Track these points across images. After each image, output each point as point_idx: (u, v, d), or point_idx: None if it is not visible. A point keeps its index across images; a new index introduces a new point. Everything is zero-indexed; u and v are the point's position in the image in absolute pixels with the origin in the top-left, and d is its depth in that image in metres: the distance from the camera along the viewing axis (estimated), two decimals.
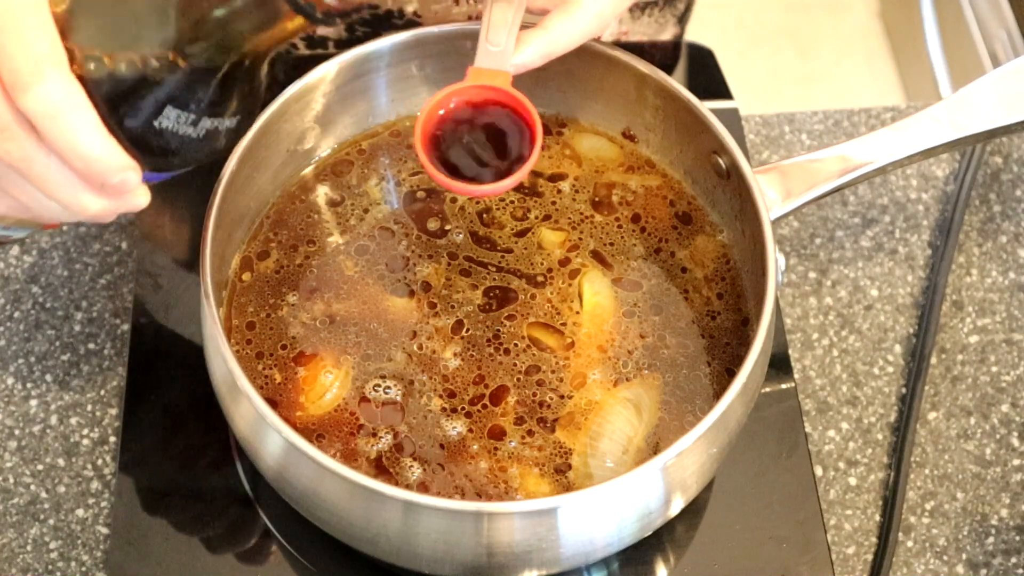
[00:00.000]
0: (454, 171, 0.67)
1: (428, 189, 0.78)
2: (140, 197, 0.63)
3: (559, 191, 0.78)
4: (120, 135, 0.60)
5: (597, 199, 0.78)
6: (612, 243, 0.76)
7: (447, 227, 0.77)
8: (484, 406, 0.70)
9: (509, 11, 0.67)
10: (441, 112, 0.68)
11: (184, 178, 0.88)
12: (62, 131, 0.58)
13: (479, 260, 0.75)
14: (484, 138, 0.68)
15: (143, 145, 0.61)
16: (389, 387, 0.71)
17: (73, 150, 0.58)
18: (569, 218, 0.77)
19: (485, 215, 0.77)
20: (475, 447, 0.69)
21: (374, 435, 0.69)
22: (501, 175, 0.66)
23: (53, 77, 0.57)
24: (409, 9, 0.91)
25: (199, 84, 0.61)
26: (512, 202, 0.78)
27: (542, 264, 0.75)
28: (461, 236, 0.76)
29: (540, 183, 0.78)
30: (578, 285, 0.74)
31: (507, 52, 0.67)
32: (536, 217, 0.77)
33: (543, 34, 0.67)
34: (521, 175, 0.66)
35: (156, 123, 0.60)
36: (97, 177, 0.60)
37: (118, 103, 0.59)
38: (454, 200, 0.78)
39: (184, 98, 0.60)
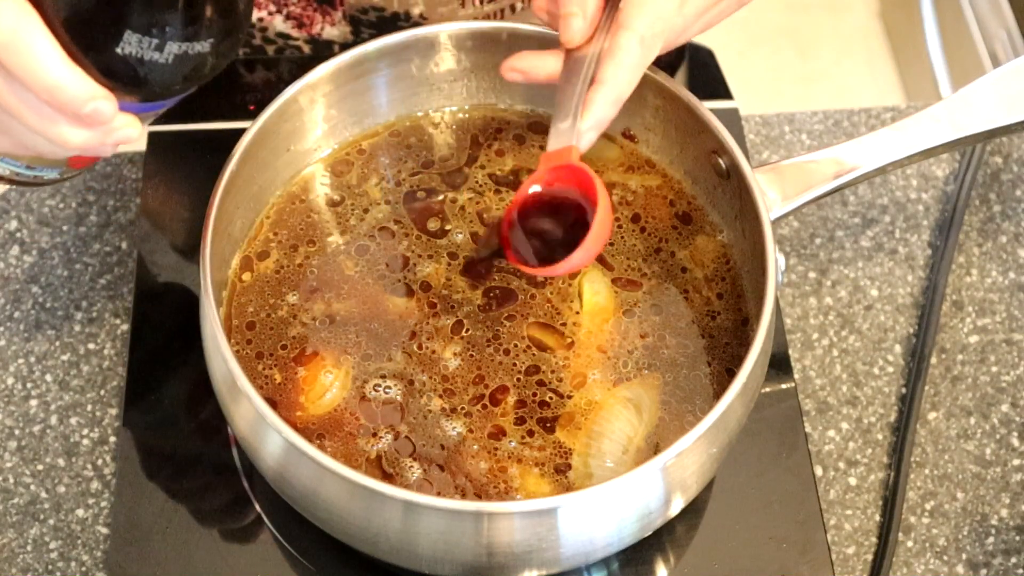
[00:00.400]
0: (532, 249, 0.70)
1: (428, 189, 0.78)
2: (126, 128, 0.62)
3: None
4: (89, 66, 0.59)
5: None
6: (612, 243, 0.76)
7: (447, 227, 0.77)
8: (484, 406, 0.70)
9: (575, 89, 0.68)
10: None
11: (184, 177, 0.88)
12: (20, 60, 0.57)
13: (485, 271, 0.75)
14: (553, 215, 0.70)
15: (113, 74, 0.60)
16: (389, 387, 0.71)
17: (34, 79, 0.58)
18: None
19: (485, 215, 0.77)
20: (475, 447, 0.69)
21: (374, 435, 0.69)
22: (574, 245, 0.67)
23: (3, 5, 0.57)
24: (415, 11, 0.91)
25: (159, 7, 0.60)
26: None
27: None
28: (461, 236, 0.76)
29: None
30: (578, 285, 0.74)
31: (571, 129, 0.68)
32: None
33: (602, 88, 0.68)
34: (589, 249, 0.67)
35: (119, 50, 0.59)
36: (66, 107, 0.59)
37: (77, 31, 0.59)
38: (454, 200, 0.78)
39: (143, 22, 0.59)
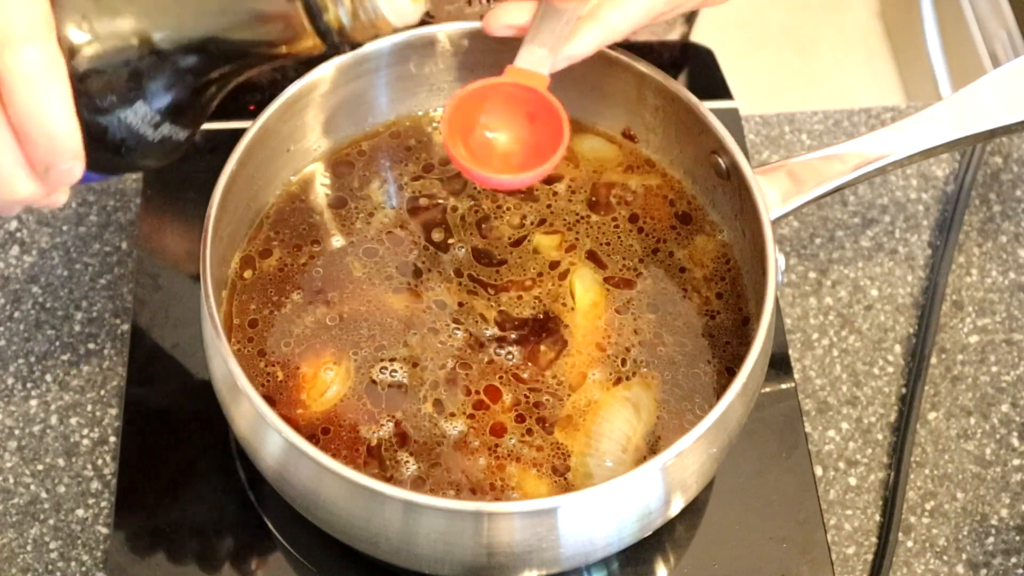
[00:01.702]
0: (476, 160, 0.68)
1: (429, 195, 0.78)
2: (63, 195, 0.61)
3: (555, 193, 0.78)
4: (81, 124, 0.58)
5: (594, 199, 0.78)
6: (608, 242, 0.76)
7: (450, 240, 0.76)
8: (482, 405, 0.70)
9: (559, 22, 0.68)
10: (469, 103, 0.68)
11: (184, 177, 0.88)
12: (35, 98, 0.55)
13: (478, 279, 0.75)
14: (509, 134, 0.68)
15: (99, 137, 0.59)
16: (388, 386, 0.71)
17: (40, 122, 0.56)
18: (564, 219, 0.77)
19: (484, 225, 0.77)
20: (473, 446, 0.69)
21: (373, 432, 0.69)
22: (520, 171, 0.67)
23: (43, 41, 0.55)
24: None
25: (176, 85, 0.60)
26: (509, 208, 0.78)
27: (535, 269, 0.75)
28: (463, 251, 0.76)
29: (536, 186, 0.78)
30: (569, 284, 0.74)
31: (549, 57, 0.67)
32: (531, 223, 0.77)
33: (595, 25, 0.67)
34: (539, 174, 0.67)
35: (122, 115, 0.59)
36: (48, 158, 0.57)
37: (92, 84, 0.58)
38: (455, 209, 0.77)
39: (157, 95, 0.59)
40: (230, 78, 0.62)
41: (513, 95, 0.67)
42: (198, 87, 0.61)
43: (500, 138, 0.68)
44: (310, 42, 0.62)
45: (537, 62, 0.67)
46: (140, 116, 0.59)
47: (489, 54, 0.78)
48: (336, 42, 0.62)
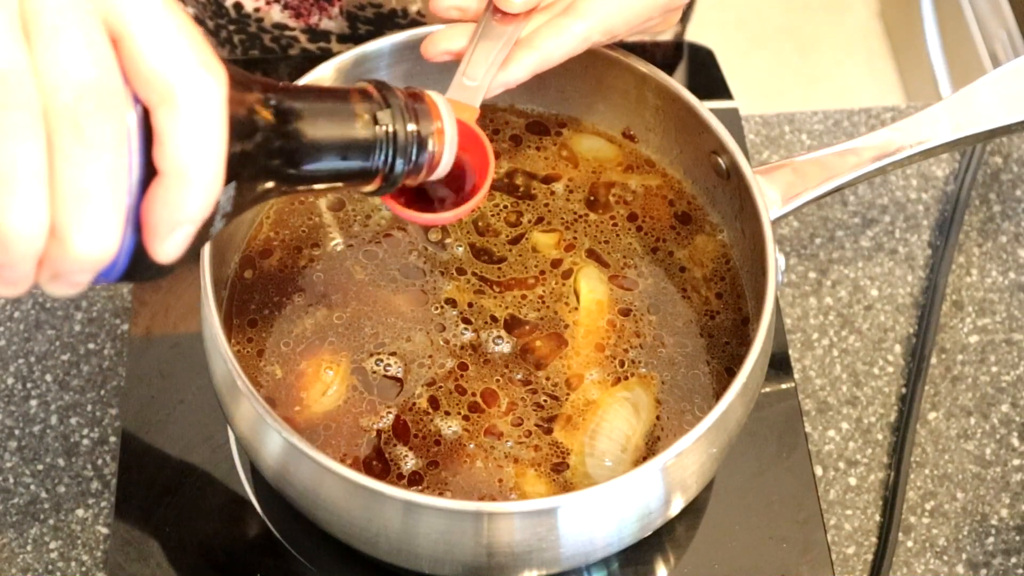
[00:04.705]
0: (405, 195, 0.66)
1: None
2: (83, 280, 0.49)
3: (552, 192, 0.78)
4: None
5: (592, 198, 0.78)
6: (607, 240, 0.76)
7: (447, 240, 0.76)
8: (482, 405, 0.70)
9: (493, 50, 0.68)
10: None
11: None
12: (207, 134, 0.46)
13: (483, 276, 0.75)
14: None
15: None
16: (388, 385, 0.71)
17: (201, 162, 0.46)
18: (562, 218, 0.77)
19: (480, 223, 0.77)
20: (472, 446, 0.69)
21: (374, 427, 0.69)
22: (447, 206, 0.66)
23: (223, 79, 0.48)
24: (413, 8, 0.91)
25: (246, 205, 0.54)
26: (506, 207, 0.78)
27: (536, 267, 0.75)
28: (461, 249, 0.76)
29: (534, 185, 0.78)
30: (574, 283, 0.74)
31: (480, 88, 0.67)
32: (529, 221, 0.77)
33: (532, 52, 0.68)
34: (462, 212, 0.66)
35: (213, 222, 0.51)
36: (187, 204, 0.47)
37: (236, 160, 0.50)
38: None
39: (233, 213, 0.53)
40: (279, 192, 0.57)
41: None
42: (280, 186, 0.56)
43: None
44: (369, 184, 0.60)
45: (469, 94, 0.67)
46: (225, 199, 0.51)
47: None
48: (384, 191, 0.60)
